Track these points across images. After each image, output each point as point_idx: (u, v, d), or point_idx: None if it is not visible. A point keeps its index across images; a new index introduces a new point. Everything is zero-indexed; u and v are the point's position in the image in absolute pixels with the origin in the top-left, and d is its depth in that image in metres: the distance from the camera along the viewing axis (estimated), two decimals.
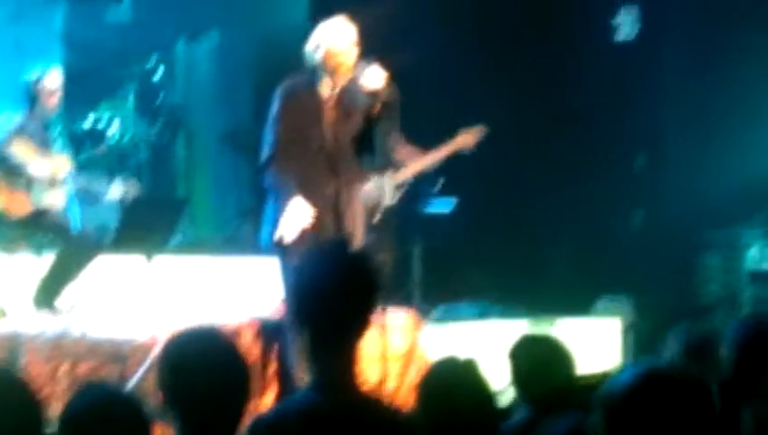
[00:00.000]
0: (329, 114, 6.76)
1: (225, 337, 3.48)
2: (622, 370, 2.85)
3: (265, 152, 6.72)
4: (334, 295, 3.27)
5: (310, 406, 3.27)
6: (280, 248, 6.66)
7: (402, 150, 8.31)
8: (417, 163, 8.62)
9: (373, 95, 6.75)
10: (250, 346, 7.12)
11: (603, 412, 2.80)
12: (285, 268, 6.70)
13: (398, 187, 8.32)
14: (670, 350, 4.71)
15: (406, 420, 3.43)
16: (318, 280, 3.31)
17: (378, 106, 6.78)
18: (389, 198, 7.92)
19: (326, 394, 3.26)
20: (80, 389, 3.40)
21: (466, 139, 8.72)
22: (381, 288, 3.39)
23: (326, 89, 6.78)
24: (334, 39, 6.72)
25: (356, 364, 3.30)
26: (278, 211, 6.62)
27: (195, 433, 3.28)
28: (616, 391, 2.80)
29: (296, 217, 6.52)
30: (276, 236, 6.57)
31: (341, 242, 6.23)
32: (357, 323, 3.31)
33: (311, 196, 6.62)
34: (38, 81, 8.12)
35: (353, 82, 6.77)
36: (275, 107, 6.75)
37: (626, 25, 10.90)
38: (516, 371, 4.56)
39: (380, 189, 7.72)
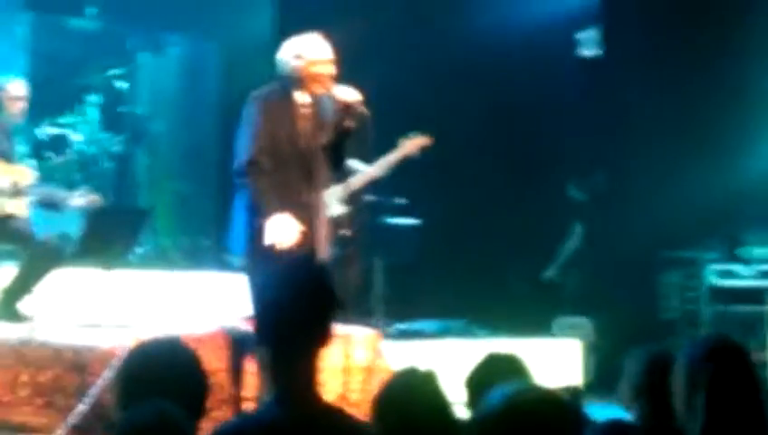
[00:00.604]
0: (303, 123, 6.78)
1: (187, 348, 3.49)
2: (494, 391, 2.99)
3: (242, 157, 6.72)
4: (294, 310, 3.30)
5: (270, 418, 3.30)
6: (249, 263, 6.66)
7: (348, 162, 8.29)
8: (365, 174, 8.59)
9: (346, 110, 6.79)
10: (214, 357, 7.09)
11: (475, 430, 2.98)
12: (253, 283, 6.67)
13: (345, 198, 8.29)
14: (631, 370, 4.72)
15: (366, 432, 3.45)
16: (279, 294, 3.34)
17: (349, 121, 6.81)
18: (334, 209, 7.89)
19: (287, 407, 3.28)
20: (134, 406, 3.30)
21: (411, 146, 8.68)
22: (341, 302, 3.41)
23: (301, 98, 6.80)
24: (315, 50, 6.75)
25: (316, 377, 3.33)
26: (253, 219, 6.60)
27: None
28: (486, 410, 2.97)
29: (281, 230, 6.50)
30: (265, 244, 6.52)
31: (304, 256, 6.23)
32: (316, 337, 3.33)
33: (287, 204, 6.61)
34: (2, 90, 8.10)
35: (327, 94, 6.80)
36: (251, 113, 6.73)
37: (588, 44, 10.98)
38: (472, 394, 4.50)
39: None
